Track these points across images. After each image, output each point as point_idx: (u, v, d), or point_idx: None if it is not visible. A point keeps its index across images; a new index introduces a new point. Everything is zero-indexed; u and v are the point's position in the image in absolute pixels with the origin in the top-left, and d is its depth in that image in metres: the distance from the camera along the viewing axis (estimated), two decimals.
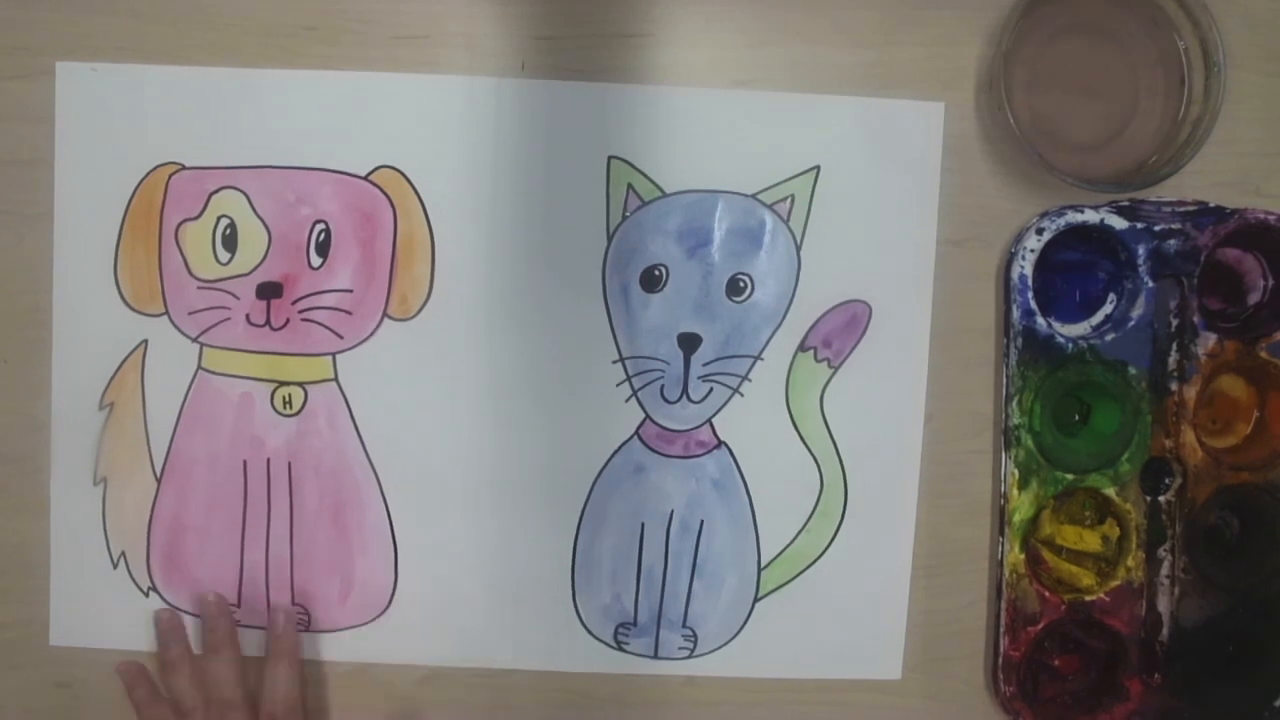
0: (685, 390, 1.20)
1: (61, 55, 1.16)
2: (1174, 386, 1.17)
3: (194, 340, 1.18)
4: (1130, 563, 1.18)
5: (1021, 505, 1.17)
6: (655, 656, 1.23)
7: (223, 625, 1.17)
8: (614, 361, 1.20)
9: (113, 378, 1.18)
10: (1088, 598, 1.19)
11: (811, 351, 1.20)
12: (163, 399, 1.19)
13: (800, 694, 1.23)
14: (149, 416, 1.19)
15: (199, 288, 1.18)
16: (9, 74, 1.16)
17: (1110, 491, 1.18)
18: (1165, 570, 1.18)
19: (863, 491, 1.21)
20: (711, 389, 1.20)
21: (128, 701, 1.18)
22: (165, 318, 1.18)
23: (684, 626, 1.22)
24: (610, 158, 1.18)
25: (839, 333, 1.20)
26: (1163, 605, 1.18)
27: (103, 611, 1.20)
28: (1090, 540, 1.21)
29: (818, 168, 1.18)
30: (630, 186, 1.18)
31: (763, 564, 1.22)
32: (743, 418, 1.21)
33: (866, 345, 1.20)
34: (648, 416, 1.20)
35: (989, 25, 1.17)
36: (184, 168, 1.17)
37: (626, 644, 1.22)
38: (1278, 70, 1.19)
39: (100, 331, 1.18)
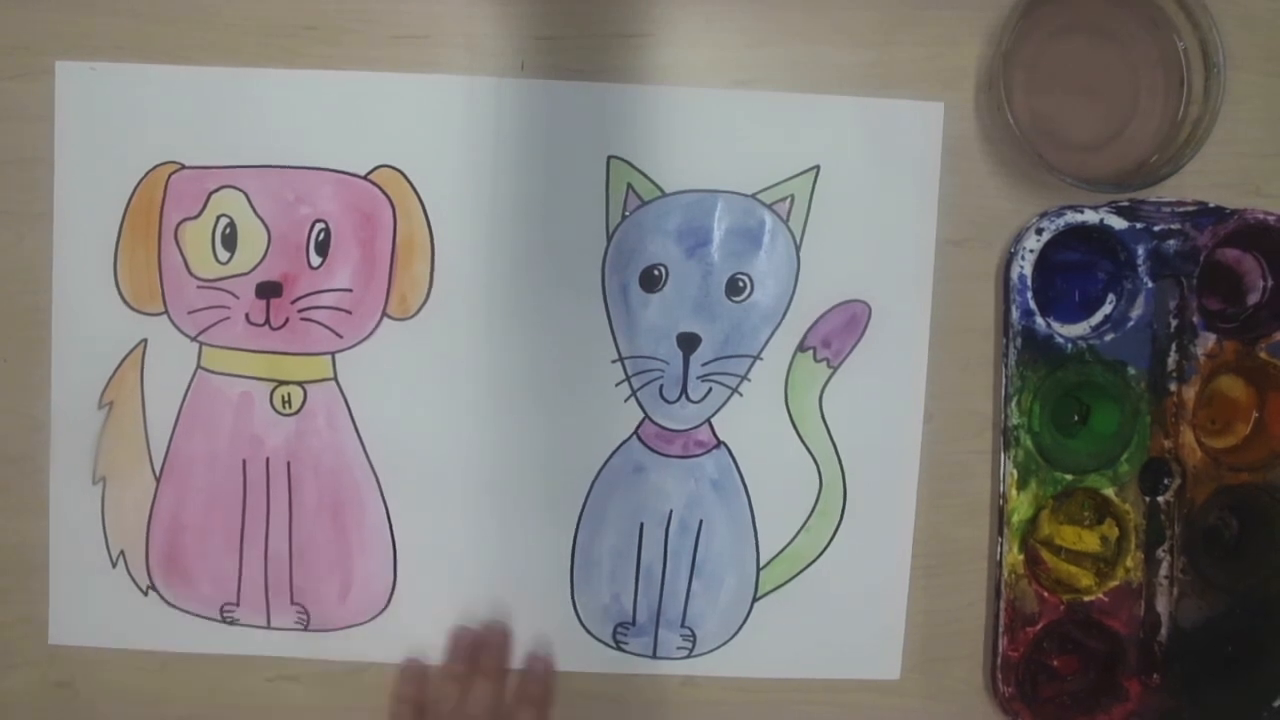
0: (684, 390, 1.20)
1: (61, 55, 1.16)
2: (1173, 387, 1.17)
3: (193, 339, 1.18)
4: (1129, 563, 1.18)
5: (1020, 505, 1.17)
6: (654, 656, 1.23)
7: (498, 658, 1.19)
8: (613, 361, 1.20)
9: (112, 377, 1.18)
10: (1086, 598, 1.19)
11: (811, 351, 1.20)
12: (162, 398, 1.19)
13: (799, 694, 1.23)
14: (148, 416, 1.19)
15: (198, 287, 1.18)
16: (9, 74, 1.16)
17: (1109, 492, 1.18)
18: (1164, 571, 1.18)
19: (862, 491, 1.21)
20: (710, 389, 1.20)
21: (124, 700, 1.20)
22: (165, 317, 1.18)
23: (683, 626, 1.22)
24: (610, 157, 1.18)
25: (838, 333, 1.20)
26: (1161, 606, 1.18)
27: (102, 610, 1.20)
28: (1089, 541, 1.21)
29: (817, 168, 1.18)
30: (630, 186, 1.18)
31: (762, 564, 1.22)
32: (742, 418, 1.21)
33: (866, 345, 1.20)
34: (647, 416, 1.20)
35: (989, 25, 1.17)
36: (184, 167, 1.17)
37: (625, 644, 1.22)
38: (1278, 70, 1.20)
39: (100, 331, 1.18)
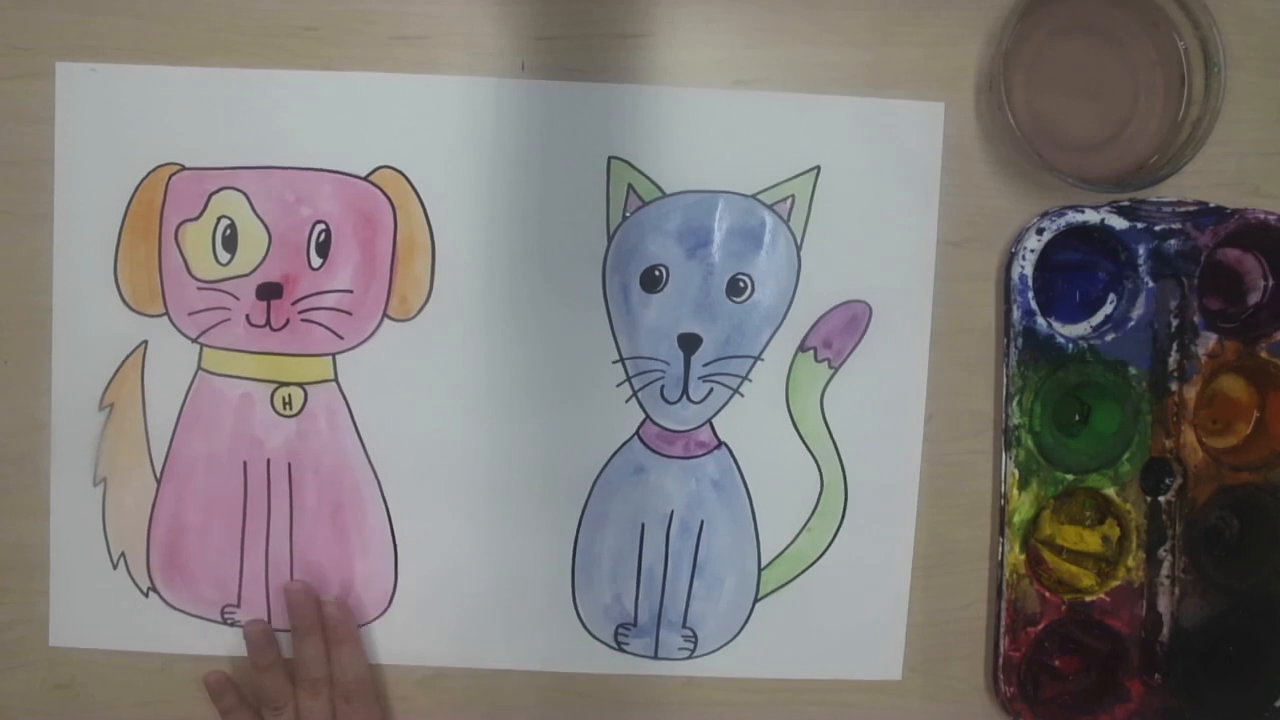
0: (685, 391, 1.20)
1: (61, 55, 1.16)
2: (1174, 387, 1.17)
3: (194, 341, 1.18)
4: (1130, 563, 1.18)
5: (1022, 505, 1.17)
6: (655, 657, 1.23)
7: (310, 610, 1.18)
8: (614, 362, 1.20)
9: (113, 378, 1.18)
10: (1088, 598, 1.19)
11: (812, 352, 1.20)
12: (163, 399, 1.19)
13: (800, 694, 1.23)
14: (149, 417, 1.19)
15: (199, 288, 1.18)
16: (9, 74, 1.16)
17: (1110, 492, 1.18)
18: (1165, 570, 1.18)
19: (863, 492, 1.21)
20: (712, 389, 1.20)
21: (124, 701, 1.21)
22: (165, 318, 1.18)
23: (684, 627, 1.22)
24: (610, 158, 1.18)
25: (839, 333, 1.20)
26: (1163, 605, 1.18)
27: (102, 612, 1.20)
28: (1090, 540, 1.21)
29: (818, 168, 1.18)
30: (630, 187, 1.18)
31: (763, 564, 1.22)
32: (743, 418, 1.21)
33: (867, 345, 1.20)
34: (648, 417, 1.20)
35: (989, 25, 1.17)
36: (184, 168, 1.17)
37: (626, 644, 1.22)
38: (1278, 70, 1.20)
39: (100, 332, 1.18)
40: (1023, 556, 1.18)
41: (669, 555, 1.22)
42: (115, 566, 1.20)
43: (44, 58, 1.16)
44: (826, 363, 1.20)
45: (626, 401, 1.20)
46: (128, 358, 1.18)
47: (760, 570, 1.22)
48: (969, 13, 1.18)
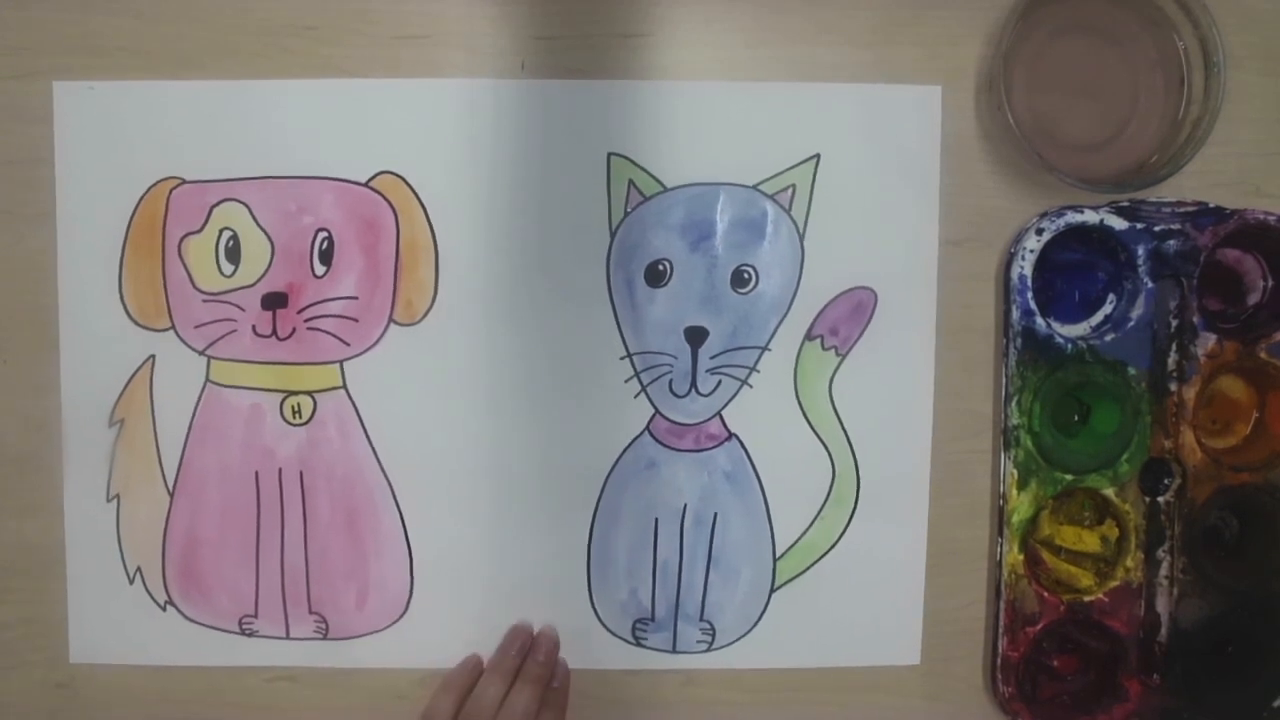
0: (694, 383, 1.21)
1: (61, 56, 1.18)
2: (1173, 387, 1.17)
3: (201, 353, 1.19)
4: (1129, 563, 1.20)
5: (1020, 506, 1.18)
6: (674, 650, 1.24)
7: (547, 664, 1.20)
8: (621, 358, 1.21)
9: (122, 394, 1.19)
10: (1087, 598, 1.20)
11: (818, 340, 1.21)
12: (172, 413, 1.20)
13: (802, 692, 1.24)
14: (159, 431, 1.20)
15: (204, 301, 1.19)
16: (9, 73, 1.17)
17: (1109, 492, 1.19)
18: (1164, 571, 1.19)
19: (875, 478, 1.22)
20: (720, 381, 1.21)
21: (126, 701, 1.24)
22: (171, 332, 1.19)
23: (702, 620, 1.24)
24: (610, 154, 1.18)
25: (845, 320, 1.21)
26: (1162, 606, 1.19)
27: (121, 627, 1.22)
28: (1089, 541, 1.22)
29: (818, 156, 1.19)
30: (631, 182, 1.18)
31: (778, 554, 1.23)
32: (752, 409, 1.22)
33: (873, 331, 1.21)
34: (657, 411, 1.22)
35: (989, 25, 1.17)
36: (184, 181, 1.18)
37: (645, 639, 1.24)
38: (1277, 70, 1.19)
39: (107, 347, 1.19)
40: (1021, 557, 1.19)
41: (684, 548, 1.23)
42: (131, 581, 1.22)
43: (44, 59, 1.18)
44: (834, 350, 1.21)
45: (635, 397, 1.21)
46: (136, 373, 1.19)
47: (775, 560, 1.23)
48: (969, 13, 1.17)
